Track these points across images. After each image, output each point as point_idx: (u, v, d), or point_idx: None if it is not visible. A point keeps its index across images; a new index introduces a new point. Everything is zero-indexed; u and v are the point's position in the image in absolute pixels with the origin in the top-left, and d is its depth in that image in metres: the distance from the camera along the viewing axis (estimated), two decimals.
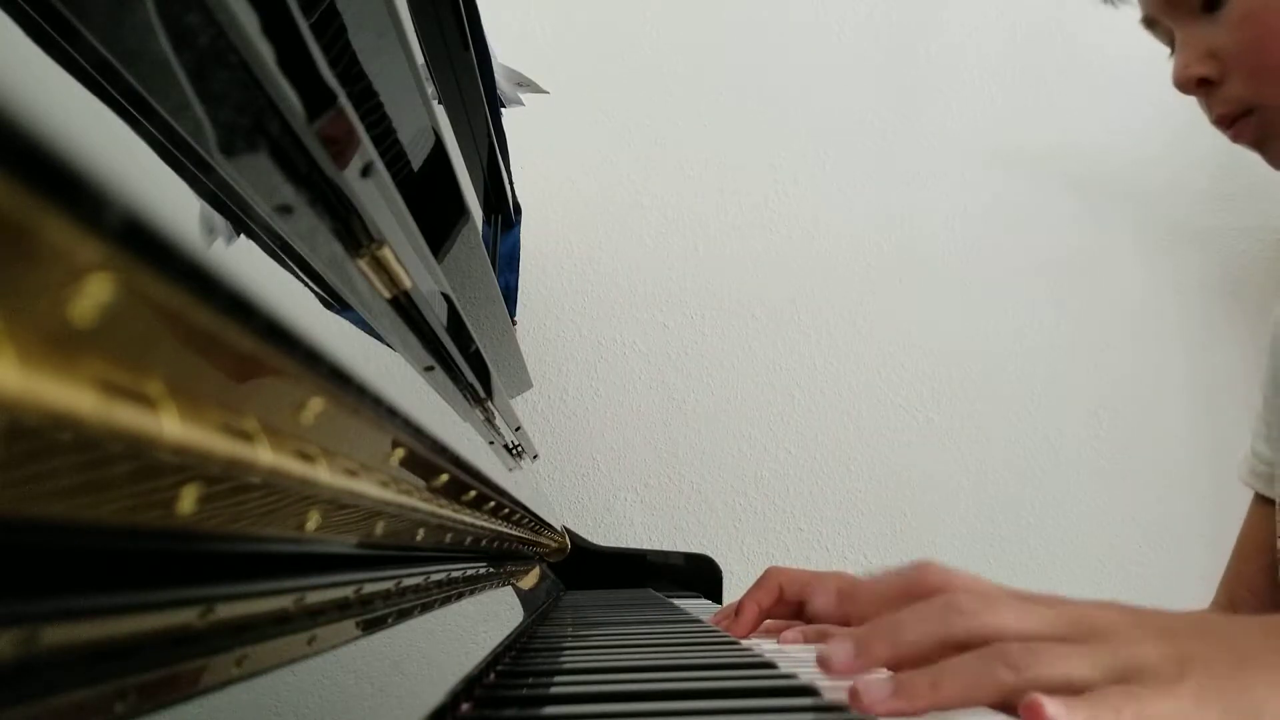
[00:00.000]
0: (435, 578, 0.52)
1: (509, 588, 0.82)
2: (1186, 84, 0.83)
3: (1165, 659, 0.41)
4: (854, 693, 0.42)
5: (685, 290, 1.79)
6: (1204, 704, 0.40)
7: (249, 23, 0.22)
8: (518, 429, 1.00)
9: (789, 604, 0.78)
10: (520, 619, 0.72)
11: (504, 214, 1.30)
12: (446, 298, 0.51)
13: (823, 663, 0.47)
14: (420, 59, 0.45)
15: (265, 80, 0.24)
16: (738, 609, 0.77)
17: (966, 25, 1.86)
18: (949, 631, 0.45)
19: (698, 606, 1.12)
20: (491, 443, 0.75)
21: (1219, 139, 0.85)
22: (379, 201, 0.34)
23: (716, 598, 1.38)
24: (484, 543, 0.65)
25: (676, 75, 1.82)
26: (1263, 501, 0.93)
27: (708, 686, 0.46)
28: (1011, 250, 1.82)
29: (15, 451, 0.12)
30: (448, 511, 0.44)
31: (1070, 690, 0.40)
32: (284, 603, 0.28)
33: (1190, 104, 0.85)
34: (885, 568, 0.52)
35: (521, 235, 1.45)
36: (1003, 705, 0.42)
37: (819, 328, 1.79)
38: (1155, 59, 1.92)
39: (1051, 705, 0.38)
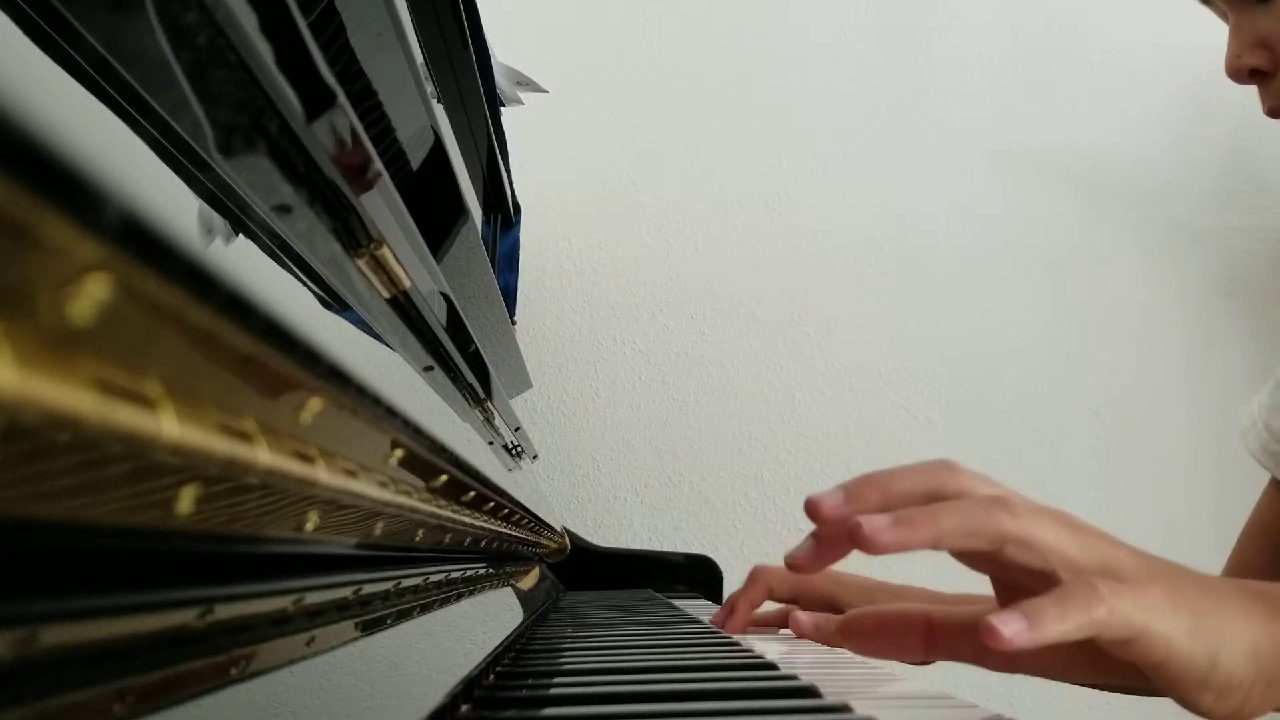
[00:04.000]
0: (434, 578, 0.52)
1: (508, 588, 0.82)
2: (1238, 74, 0.82)
3: (1142, 569, 0.43)
4: (855, 526, 0.41)
5: (685, 290, 1.79)
6: (1175, 609, 0.41)
7: (248, 22, 0.22)
8: (517, 429, 1.00)
9: (780, 601, 0.78)
10: (520, 620, 0.72)
11: (504, 213, 1.30)
12: (446, 298, 0.51)
13: (811, 506, 0.45)
14: (420, 58, 0.45)
15: (264, 79, 0.24)
16: (730, 608, 0.78)
17: (967, 25, 1.86)
18: (941, 487, 0.45)
19: (698, 607, 1.12)
20: (491, 443, 0.75)
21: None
22: (378, 201, 0.34)
23: (716, 598, 1.38)
24: (483, 543, 0.65)
25: (677, 75, 1.82)
26: (1278, 485, 0.92)
27: (708, 688, 0.46)
28: (1012, 250, 1.82)
29: (15, 451, 0.12)
30: (447, 512, 0.44)
31: (1060, 560, 0.42)
32: (283, 603, 0.28)
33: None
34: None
35: (521, 235, 1.45)
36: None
37: (819, 328, 1.79)
38: (1155, 59, 1.92)
39: (1024, 609, 0.39)
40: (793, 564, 0.46)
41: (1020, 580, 0.44)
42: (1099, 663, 0.45)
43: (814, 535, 0.46)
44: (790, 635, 0.76)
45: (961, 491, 0.45)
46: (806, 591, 0.78)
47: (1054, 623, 0.40)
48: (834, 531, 0.45)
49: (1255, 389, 1.00)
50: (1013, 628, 0.39)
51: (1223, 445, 1.78)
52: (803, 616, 0.59)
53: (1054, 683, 0.51)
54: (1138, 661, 0.42)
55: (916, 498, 0.45)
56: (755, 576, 0.77)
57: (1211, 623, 0.42)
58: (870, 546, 0.42)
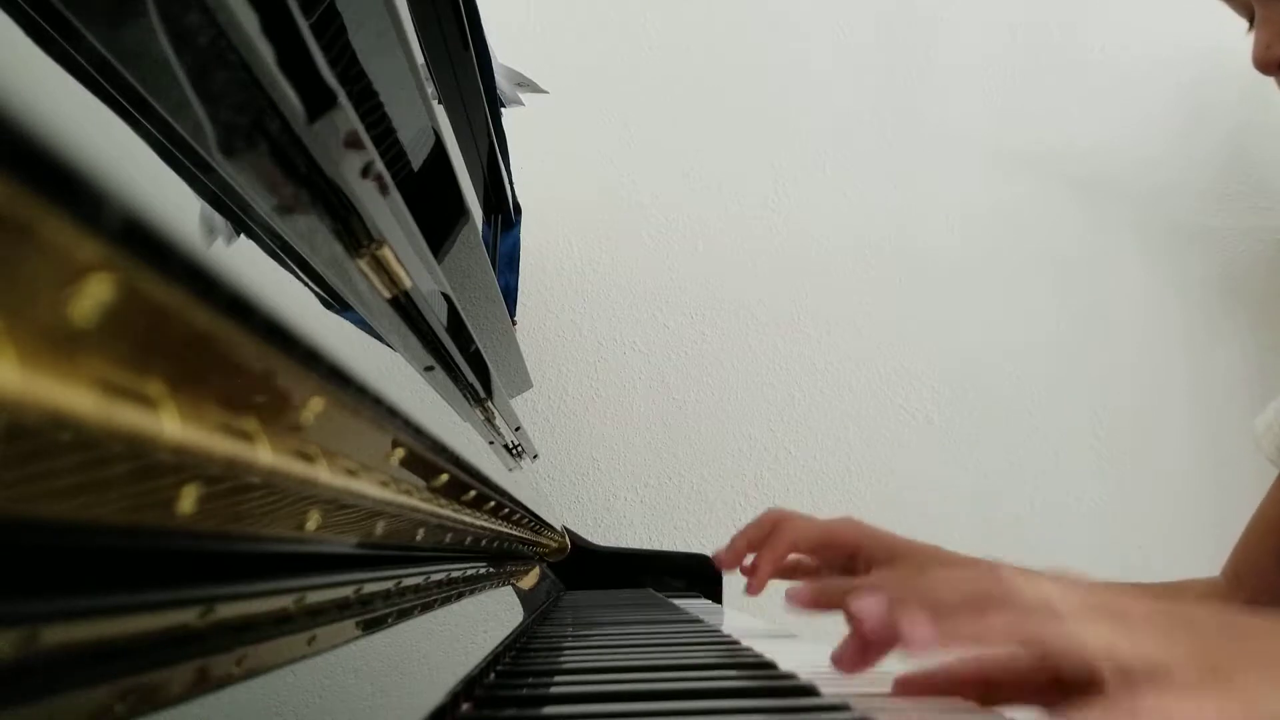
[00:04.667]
0: (435, 578, 0.52)
1: (509, 588, 0.82)
2: (1267, 64, 0.81)
3: (1192, 659, 0.41)
4: (899, 630, 0.41)
5: (685, 290, 1.79)
6: (1225, 711, 0.40)
7: (249, 22, 0.22)
8: (518, 429, 1.00)
9: (801, 553, 0.75)
10: (520, 619, 0.72)
11: (504, 214, 1.30)
12: (446, 298, 0.51)
13: (855, 615, 0.44)
14: (420, 59, 0.45)
15: (265, 80, 0.24)
16: (736, 555, 0.74)
17: (967, 27, 1.86)
18: (988, 597, 0.44)
19: (697, 606, 1.12)
20: (491, 443, 0.75)
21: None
22: (379, 201, 0.34)
23: (716, 598, 1.38)
24: (484, 543, 0.65)
25: (677, 75, 1.82)
26: None
27: (708, 686, 0.46)
28: (1012, 250, 1.82)
29: (15, 451, 0.12)
30: (448, 511, 0.44)
31: (1110, 667, 0.40)
32: (284, 603, 0.28)
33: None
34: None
35: (521, 235, 1.45)
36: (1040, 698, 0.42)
37: (819, 327, 1.79)
38: (1155, 60, 1.92)
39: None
40: (838, 664, 0.46)
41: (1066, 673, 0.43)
42: None
43: (856, 636, 0.46)
44: (786, 635, 0.76)
45: (1006, 597, 0.44)
46: (830, 544, 0.74)
47: None
48: (873, 641, 0.45)
49: (1254, 389, 1.00)
50: None
51: (1222, 444, 1.78)
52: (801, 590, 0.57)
53: None
54: None
55: (959, 607, 0.44)
56: (778, 530, 0.73)
57: (1266, 704, 0.40)
58: (912, 646, 0.41)
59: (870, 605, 0.44)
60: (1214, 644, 0.42)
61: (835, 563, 0.72)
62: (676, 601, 1.16)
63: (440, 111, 0.53)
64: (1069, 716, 0.38)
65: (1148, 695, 0.39)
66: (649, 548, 1.63)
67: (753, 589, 0.71)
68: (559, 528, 1.26)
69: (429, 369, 0.52)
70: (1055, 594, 0.44)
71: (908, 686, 0.48)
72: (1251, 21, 0.82)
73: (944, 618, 0.42)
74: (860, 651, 0.46)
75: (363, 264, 0.36)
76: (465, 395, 0.67)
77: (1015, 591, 0.44)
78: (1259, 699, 0.40)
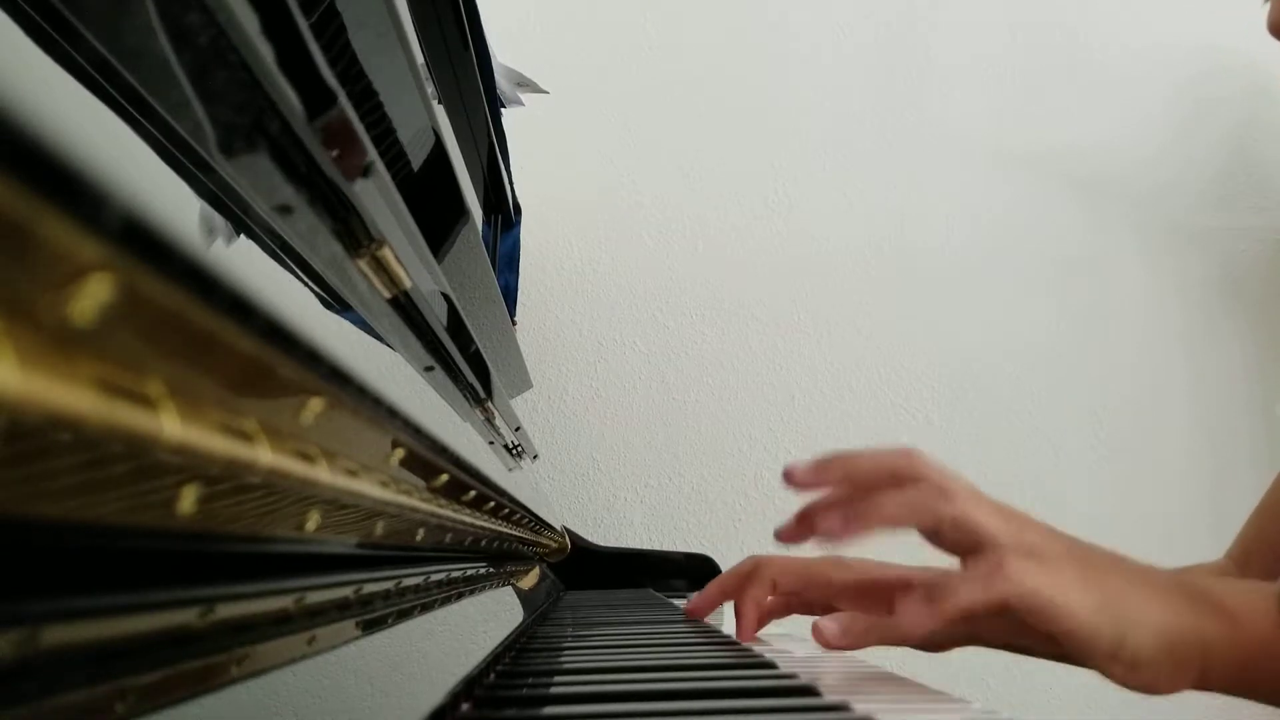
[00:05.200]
0: (435, 578, 0.52)
1: (509, 588, 0.82)
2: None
3: (1068, 554, 0.48)
4: (814, 524, 0.52)
5: (685, 290, 1.79)
6: (1086, 586, 0.47)
7: (249, 22, 0.22)
8: (518, 429, 1.00)
9: (785, 596, 0.76)
10: (520, 619, 0.72)
11: (504, 214, 1.30)
12: (446, 298, 0.51)
13: (787, 473, 0.55)
14: (420, 59, 0.45)
15: (265, 80, 0.24)
16: (737, 612, 0.76)
17: (967, 26, 1.86)
18: (897, 470, 0.53)
19: None
20: (491, 443, 0.75)
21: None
22: (379, 201, 0.34)
23: None
24: (484, 543, 0.65)
25: (677, 76, 1.82)
26: None
27: (707, 686, 0.46)
28: (1012, 250, 1.82)
29: (15, 451, 0.12)
30: (448, 511, 0.44)
31: (988, 540, 0.48)
32: (284, 603, 0.28)
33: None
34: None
35: (521, 235, 1.45)
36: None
37: (819, 328, 1.79)
38: (1154, 58, 1.92)
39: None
40: (780, 536, 0.56)
41: (961, 558, 0.51)
42: (1022, 629, 0.51)
43: (796, 517, 0.56)
44: (786, 635, 0.76)
45: (915, 476, 0.52)
46: (811, 581, 0.76)
47: (952, 602, 0.47)
48: (805, 514, 0.55)
49: (1254, 388, 1.00)
50: (912, 607, 0.47)
51: (1221, 444, 1.78)
52: (825, 624, 0.62)
53: (1047, 681, 0.57)
54: (1049, 630, 0.47)
55: (874, 480, 0.53)
56: (756, 571, 0.75)
57: (1121, 603, 0.47)
58: (830, 540, 0.50)
59: (799, 469, 0.55)
60: (1090, 553, 0.50)
61: (819, 603, 0.73)
62: (677, 602, 1.16)
63: (440, 111, 0.53)
64: (929, 587, 0.47)
65: (1014, 560, 0.47)
66: (649, 548, 1.63)
67: (743, 634, 0.72)
68: (559, 528, 1.26)
69: (429, 369, 0.52)
70: (956, 481, 0.53)
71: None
72: None
73: (849, 516, 0.51)
74: (797, 525, 0.55)
75: (362, 264, 0.36)
76: (465, 395, 0.67)
77: (925, 473, 0.53)
78: (1118, 597, 0.48)
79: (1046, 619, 0.47)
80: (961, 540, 0.50)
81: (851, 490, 0.55)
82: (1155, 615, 0.48)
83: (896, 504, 0.50)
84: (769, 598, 0.75)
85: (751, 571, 0.75)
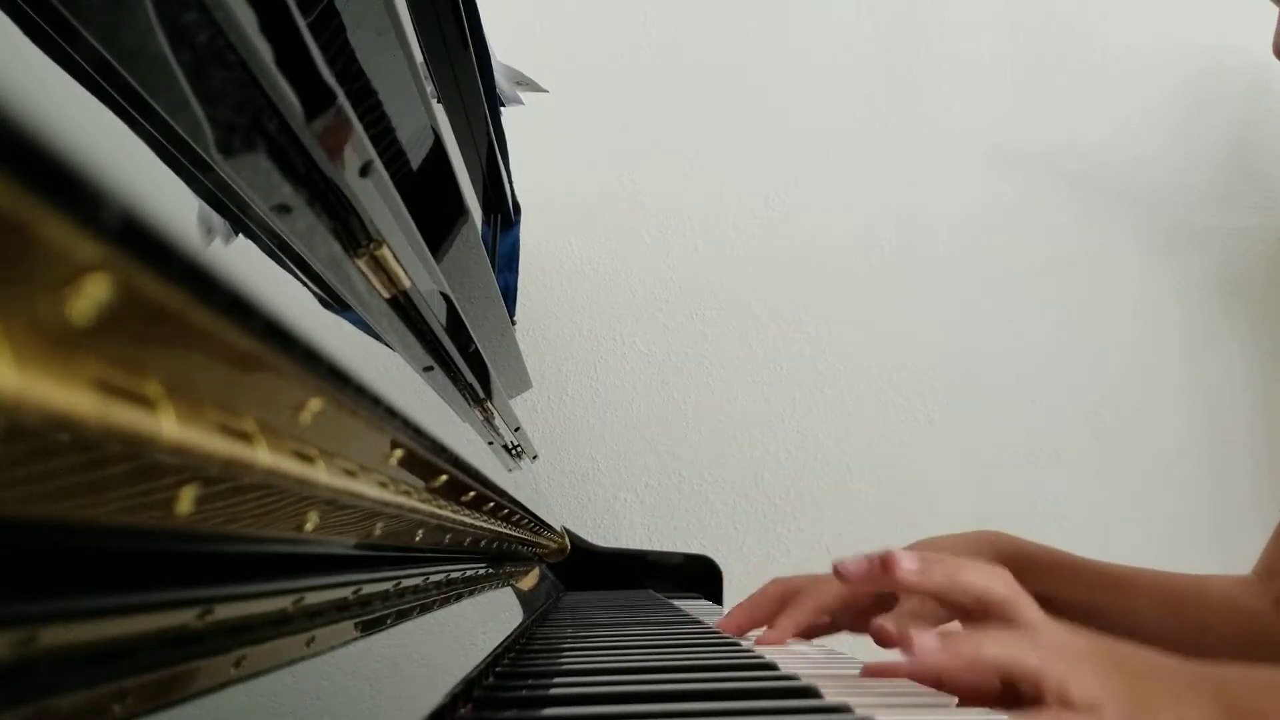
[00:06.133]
0: (434, 578, 0.52)
1: (508, 588, 0.82)
2: None
3: (1120, 697, 0.50)
4: (908, 641, 0.49)
5: (685, 290, 1.79)
6: None
7: (247, 22, 0.22)
8: (517, 429, 1.00)
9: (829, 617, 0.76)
10: (520, 620, 0.72)
11: (503, 213, 1.30)
12: (446, 298, 0.51)
13: (888, 562, 0.55)
14: (420, 58, 0.45)
15: (264, 79, 0.24)
16: (775, 629, 0.75)
17: (967, 24, 1.86)
18: (989, 600, 0.54)
19: (698, 607, 1.12)
20: (491, 443, 0.75)
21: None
22: (378, 201, 0.34)
23: (716, 598, 1.38)
24: (483, 543, 0.65)
25: (677, 75, 1.82)
26: None
27: (708, 688, 0.46)
28: (1012, 249, 1.82)
29: (15, 451, 0.12)
30: (447, 512, 0.44)
31: (1058, 689, 0.49)
32: (283, 604, 0.28)
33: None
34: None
35: (521, 235, 1.45)
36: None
37: (819, 327, 1.79)
38: (1155, 57, 1.92)
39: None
40: (846, 574, 0.56)
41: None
42: None
43: (875, 570, 0.56)
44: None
45: (1005, 608, 0.54)
46: (853, 607, 0.76)
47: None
48: (889, 583, 0.56)
49: (1254, 388, 1.00)
50: (950, 654, 0.48)
51: (1221, 444, 1.78)
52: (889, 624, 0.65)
53: None
54: None
55: (969, 596, 0.54)
56: (798, 596, 0.74)
57: None
58: (919, 662, 0.49)
59: (905, 563, 0.54)
60: (1142, 684, 0.52)
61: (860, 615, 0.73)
62: (677, 603, 1.16)
63: (440, 111, 0.53)
64: (1017, 714, 0.47)
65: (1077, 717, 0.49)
66: (649, 548, 1.63)
67: (774, 641, 0.71)
68: (559, 528, 1.26)
69: (428, 369, 0.52)
70: (1040, 622, 0.54)
71: (873, 672, 0.57)
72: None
73: (948, 649, 0.49)
74: (870, 579, 0.56)
75: (361, 264, 0.36)
76: (465, 395, 0.67)
77: (1016, 613, 0.54)
78: None
79: None
80: (1029, 690, 0.50)
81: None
82: None
83: (995, 649, 0.50)
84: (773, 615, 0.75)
85: (783, 598, 0.74)
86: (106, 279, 0.13)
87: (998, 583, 0.55)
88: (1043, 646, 0.51)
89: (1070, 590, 0.89)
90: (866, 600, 0.72)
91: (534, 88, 1.37)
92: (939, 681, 0.53)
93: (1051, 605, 0.60)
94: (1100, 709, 0.50)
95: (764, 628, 0.74)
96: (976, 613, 0.55)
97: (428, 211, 0.46)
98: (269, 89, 0.24)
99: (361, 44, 0.37)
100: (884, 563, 0.55)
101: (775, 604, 0.74)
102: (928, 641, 0.49)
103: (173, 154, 0.22)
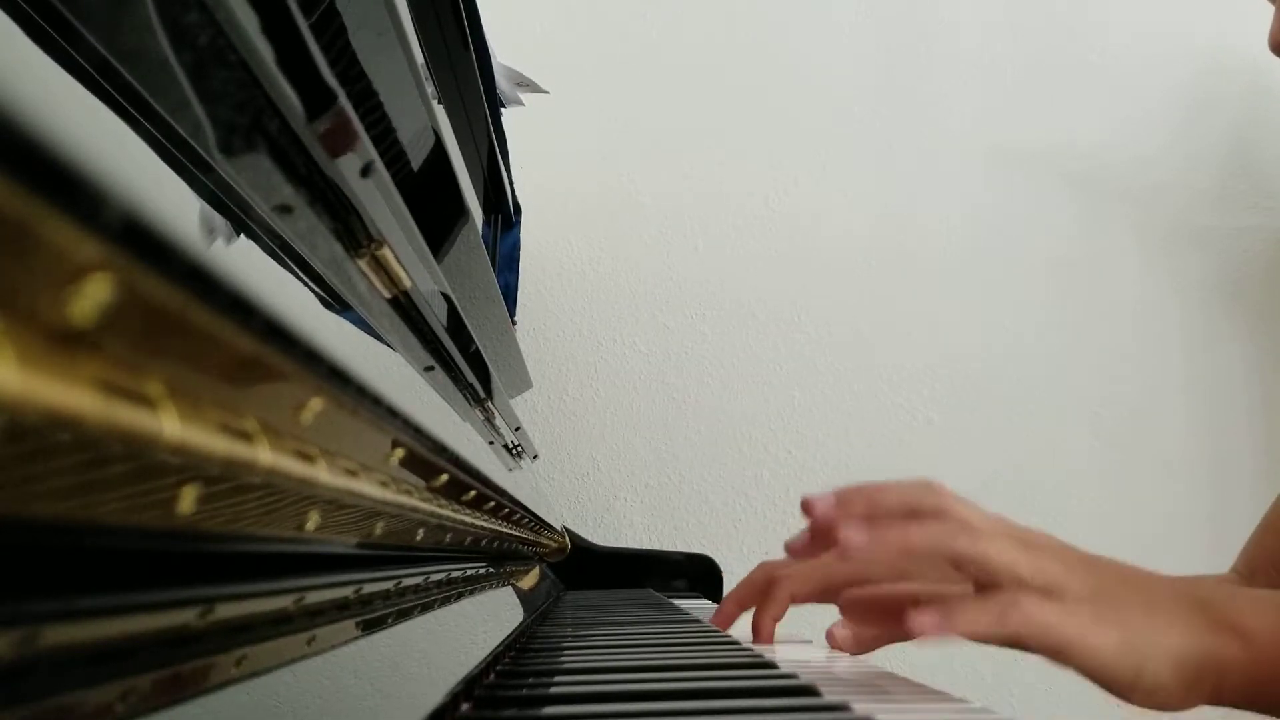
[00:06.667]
0: (435, 578, 0.52)
1: (509, 588, 0.82)
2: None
3: (1084, 587, 0.50)
4: (837, 531, 0.50)
5: (685, 290, 1.79)
6: (1104, 626, 0.49)
7: (249, 22, 0.22)
8: (518, 429, 1.00)
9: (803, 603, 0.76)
10: (520, 619, 0.72)
11: (504, 214, 1.30)
12: (446, 298, 0.51)
13: (805, 504, 0.54)
14: (420, 59, 0.45)
15: (265, 80, 0.24)
16: (755, 629, 0.75)
17: (967, 24, 1.86)
18: (920, 504, 0.53)
19: (698, 606, 1.12)
20: (491, 443, 0.75)
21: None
22: (379, 201, 0.34)
23: (716, 598, 1.38)
24: (484, 543, 0.65)
25: (677, 74, 1.82)
26: None
27: (708, 686, 0.46)
28: (1012, 249, 1.82)
29: (15, 451, 0.12)
30: (447, 511, 0.44)
31: (1008, 576, 0.49)
32: (284, 603, 0.28)
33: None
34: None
35: (521, 235, 1.45)
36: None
37: (819, 328, 1.79)
38: (1154, 57, 1.92)
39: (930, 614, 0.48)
40: (791, 550, 0.55)
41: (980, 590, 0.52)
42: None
43: (808, 530, 0.54)
44: (786, 636, 0.76)
45: (938, 511, 0.52)
46: (829, 591, 0.76)
47: (964, 624, 0.48)
48: (821, 531, 0.53)
49: (1254, 389, 1.00)
50: (925, 620, 0.48)
51: (1221, 444, 1.78)
52: (839, 633, 0.67)
53: (1043, 678, 0.58)
54: (1071, 668, 0.49)
55: (897, 512, 0.52)
56: (774, 585, 0.75)
57: (1140, 637, 0.49)
58: (847, 551, 0.49)
59: (820, 501, 0.53)
60: (1108, 580, 0.51)
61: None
62: (677, 602, 1.16)
63: (440, 111, 0.53)
64: (945, 603, 0.48)
65: (1028, 598, 0.48)
66: (649, 548, 1.63)
67: (760, 641, 0.72)
68: (559, 528, 1.26)
69: (429, 369, 0.52)
70: (978, 516, 0.53)
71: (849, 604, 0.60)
72: (1276, 3, 0.82)
73: (880, 521, 0.50)
74: (809, 544, 0.54)
75: (362, 264, 0.36)
76: (465, 395, 0.67)
77: (946, 508, 0.53)
78: (1135, 631, 0.49)
79: (1062, 657, 0.49)
80: (983, 577, 0.51)
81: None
82: (1173, 641, 0.49)
83: (920, 534, 0.50)
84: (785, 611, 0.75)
85: (766, 584, 0.75)
86: (108, 279, 0.13)
87: (924, 493, 0.53)
88: (984, 533, 0.51)
89: None
90: (842, 580, 0.71)
91: (534, 88, 1.37)
92: (872, 575, 0.55)
93: None
94: (1061, 593, 0.49)
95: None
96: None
97: (428, 212, 0.46)
98: (270, 89, 0.24)
99: (362, 45, 0.37)
100: (803, 510, 0.54)
101: (759, 590, 0.74)
102: (855, 535, 0.49)
103: (174, 154, 0.22)
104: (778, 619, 0.73)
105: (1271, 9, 0.81)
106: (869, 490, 0.54)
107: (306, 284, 0.30)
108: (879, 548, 0.50)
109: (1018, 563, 0.49)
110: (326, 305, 0.32)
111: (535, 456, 1.41)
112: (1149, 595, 0.51)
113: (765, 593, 0.74)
